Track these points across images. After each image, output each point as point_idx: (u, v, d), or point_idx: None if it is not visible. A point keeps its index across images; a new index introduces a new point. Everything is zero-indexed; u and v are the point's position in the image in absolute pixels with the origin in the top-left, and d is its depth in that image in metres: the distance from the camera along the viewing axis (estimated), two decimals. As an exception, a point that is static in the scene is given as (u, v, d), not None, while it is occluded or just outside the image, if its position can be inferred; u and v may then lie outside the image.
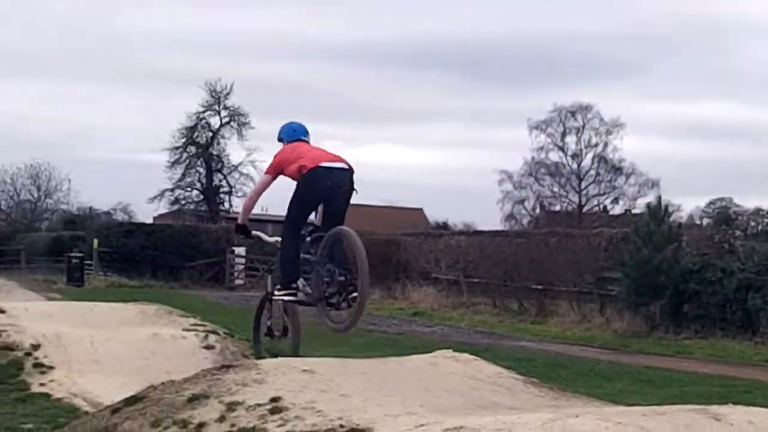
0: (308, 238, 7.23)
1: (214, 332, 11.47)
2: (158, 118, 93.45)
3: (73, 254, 34.50)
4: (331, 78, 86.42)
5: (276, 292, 7.37)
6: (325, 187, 7.02)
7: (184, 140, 56.05)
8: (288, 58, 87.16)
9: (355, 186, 7.16)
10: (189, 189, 56.58)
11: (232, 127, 56.74)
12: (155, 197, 54.88)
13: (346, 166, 7.14)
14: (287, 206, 7.21)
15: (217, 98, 56.33)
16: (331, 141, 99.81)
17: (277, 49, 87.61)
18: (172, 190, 55.38)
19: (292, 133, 7.55)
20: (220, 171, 56.92)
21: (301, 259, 7.17)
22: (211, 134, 56.63)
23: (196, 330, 11.44)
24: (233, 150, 58.30)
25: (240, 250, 39.69)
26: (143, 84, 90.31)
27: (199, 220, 50.66)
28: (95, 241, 36.05)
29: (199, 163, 56.39)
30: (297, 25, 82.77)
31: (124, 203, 57.12)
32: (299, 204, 7.20)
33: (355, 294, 6.74)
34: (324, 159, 7.09)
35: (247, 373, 6.06)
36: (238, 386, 5.88)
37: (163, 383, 6.48)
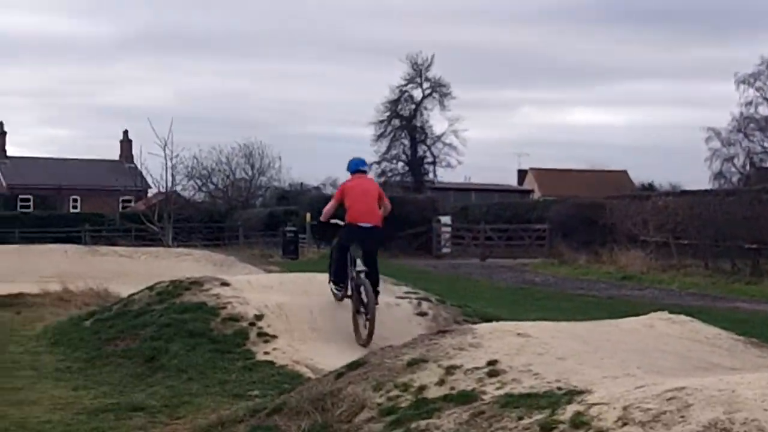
0: (356, 268, 10.64)
1: (426, 299, 11.67)
2: (363, 92, 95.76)
3: (287, 228, 35.77)
4: (527, 41, 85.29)
5: (331, 285, 11.15)
6: (358, 236, 10.78)
7: (388, 114, 56.98)
8: (488, 22, 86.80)
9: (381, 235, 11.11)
10: (394, 161, 57.57)
11: (433, 98, 57.17)
12: (362, 170, 56.16)
13: (372, 225, 10.78)
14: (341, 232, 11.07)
15: (418, 71, 56.89)
16: (529, 107, 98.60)
17: (476, 13, 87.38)
18: (378, 162, 56.52)
19: (354, 167, 11.24)
20: (423, 142, 57.52)
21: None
22: (413, 106, 57.28)
23: (409, 297, 11.68)
24: (436, 121, 58.88)
25: (446, 219, 40.02)
26: (347, 59, 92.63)
27: (405, 190, 51.43)
28: (307, 215, 37.27)
29: (403, 135, 57.21)
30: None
31: (332, 178, 58.75)
32: (345, 237, 10.97)
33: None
34: (360, 219, 10.72)
35: (463, 338, 6.14)
36: (455, 350, 5.98)
37: (382, 349, 6.66)
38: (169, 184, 35.72)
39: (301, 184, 59.68)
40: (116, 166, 65.52)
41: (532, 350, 5.86)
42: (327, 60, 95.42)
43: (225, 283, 11.91)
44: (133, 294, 12.51)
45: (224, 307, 10.82)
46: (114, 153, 71.89)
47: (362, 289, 10.37)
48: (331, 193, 55.20)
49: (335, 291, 11.02)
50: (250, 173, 58.47)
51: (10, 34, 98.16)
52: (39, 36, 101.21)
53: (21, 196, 63.75)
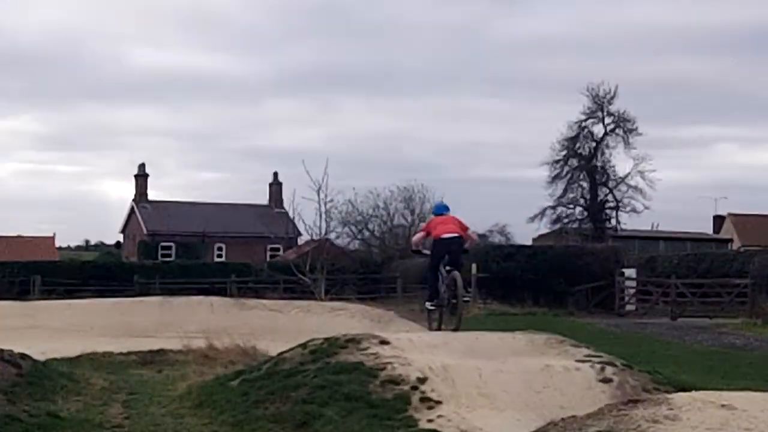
0: (445, 271, 14.51)
1: (610, 363, 11.45)
2: (534, 131, 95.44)
3: (450, 281, 35.78)
4: (722, 71, 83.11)
5: (427, 303, 15.28)
6: (444, 247, 14.59)
7: (564, 152, 56.34)
8: (678, 51, 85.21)
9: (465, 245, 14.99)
10: (571, 206, 56.87)
11: (617, 134, 56.33)
12: (535, 216, 55.78)
13: (456, 235, 14.64)
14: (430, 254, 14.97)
15: (600, 104, 56.19)
16: (727, 144, 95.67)
17: (664, 42, 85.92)
18: (553, 207, 55.98)
19: (438, 210, 15.58)
20: (605, 184, 56.64)
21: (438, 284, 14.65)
22: (594, 144, 56.54)
23: (590, 361, 11.49)
24: (619, 160, 57.89)
25: (630, 272, 39.20)
26: (518, 93, 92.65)
27: (584, 239, 50.71)
28: (473, 267, 37.26)
29: (581, 176, 56.42)
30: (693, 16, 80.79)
31: (501, 224, 58.52)
32: (433, 252, 14.85)
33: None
34: (444, 232, 14.60)
35: (656, 409, 6.02)
36: (648, 423, 5.86)
37: (563, 419, 6.60)
38: (323, 231, 36.39)
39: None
40: (265, 212, 67.47)
41: (738, 425, 5.69)
42: (495, 96, 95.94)
43: (384, 342, 12.05)
44: (284, 352, 12.81)
45: (384, 368, 10.94)
46: (262, 198, 74.07)
47: (455, 280, 14.21)
48: (499, 241, 55.27)
49: (429, 307, 14.93)
50: (409, 219, 58.91)
51: (154, 71, 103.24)
52: (185, 74, 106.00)
53: (162, 244, 66.38)
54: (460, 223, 14.97)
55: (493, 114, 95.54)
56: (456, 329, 14.07)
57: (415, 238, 15.63)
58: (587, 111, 56.27)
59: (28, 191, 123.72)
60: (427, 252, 15.10)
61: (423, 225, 16.32)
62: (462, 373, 10.76)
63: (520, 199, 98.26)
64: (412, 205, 58.81)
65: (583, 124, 56.48)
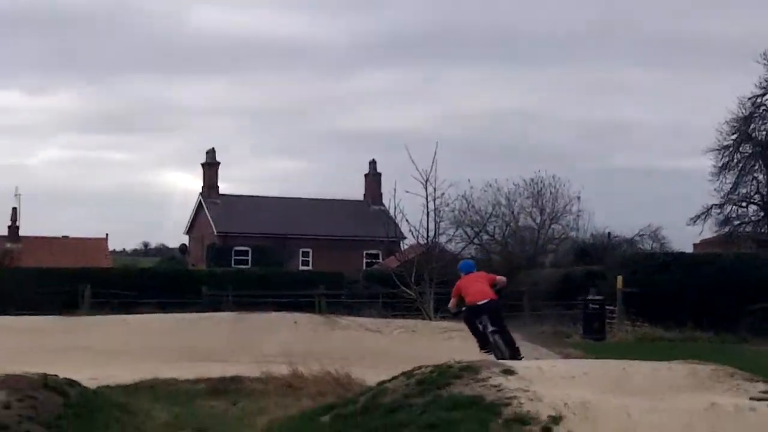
0: (488, 330, 18.18)
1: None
2: (698, 109, 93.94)
3: (590, 297, 35.49)
4: None
5: (482, 351, 17.94)
6: (479, 312, 18.25)
7: (735, 136, 55.23)
8: None
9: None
10: (744, 203, 55.74)
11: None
12: (697, 217, 54.80)
13: (488, 300, 18.30)
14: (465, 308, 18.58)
15: (780, 74, 54.96)
16: None
17: None
18: (720, 206, 54.95)
19: (466, 269, 19.26)
20: (787, 176, 55.48)
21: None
22: (774, 126, 55.34)
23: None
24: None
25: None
26: (676, 61, 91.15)
27: (760, 246, 49.73)
28: (619, 279, 36.87)
29: (756, 166, 55.26)
30: None
31: (653, 226, 57.77)
32: (470, 315, 18.41)
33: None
34: (477, 299, 18.25)
35: None
36: None
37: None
38: (431, 234, 36.28)
39: (609, 234, 59.08)
40: (359, 209, 67.89)
41: None
42: (645, 65, 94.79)
43: (509, 371, 12.02)
44: (385, 382, 12.86)
45: (508, 404, 10.92)
46: (356, 192, 74.42)
47: (497, 344, 18.02)
48: (651, 247, 54.56)
49: (486, 353, 17.84)
50: (538, 220, 58.55)
51: (222, 36, 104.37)
52: (260, 39, 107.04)
53: (236, 248, 67.21)
54: (487, 277, 19.23)
55: (643, 88, 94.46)
56: None
57: (451, 305, 19.19)
58: (764, 83, 55.15)
59: (72, 183, 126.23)
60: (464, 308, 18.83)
61: (453, 289, 19.15)
62: (606, 412, 10.68)
63: (678, 195, 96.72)
64: (542, 202, 58.30)
65: (759, 100, 55.39)
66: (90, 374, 16.85)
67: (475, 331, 18.50)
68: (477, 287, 18.64)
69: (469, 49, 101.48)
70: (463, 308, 18.59)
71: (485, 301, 18.34)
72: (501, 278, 19.46)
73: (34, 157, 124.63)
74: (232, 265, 64.16)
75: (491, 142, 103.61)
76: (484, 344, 18.19)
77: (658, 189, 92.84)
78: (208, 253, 68.22)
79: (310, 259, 68.28)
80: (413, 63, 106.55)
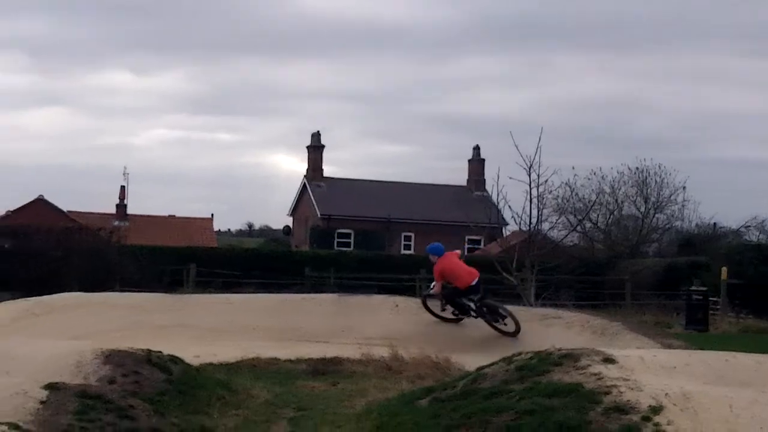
0: (474, 300, 20.85)
1: None
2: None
3: (693, 288, 35.07)
4: None
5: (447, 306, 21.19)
6: (473, 291, 20.76)
7: None
8: None
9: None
10: None
11: None
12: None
13: (477, 277, 20.90)
14: (452, 289, 20.91)
15: None
16: None
17: None
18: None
19: (439, 251, 21.28)
20: None
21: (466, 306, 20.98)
22: None
23: None
24: None
25: None
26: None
27: None
28: (723, 270, 36.37)
29: None
30: None
31: (759, 218, 56.88)
32: (461, 294, 20.86)
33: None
34: (470, 280, 20.69)
35: None
36: None
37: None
38: (534, 221, 36.12)
39: (714, 225, 58.31)
40: (462, 195, 67.85)
41: None
42: (760, 54, 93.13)
43: (609, 359, 11.92)
44: (484, 367, 12.84)
45: (608, 393, 10.82)
46: (459, 177, 74.41)
47: (488, 306, 20.78)
48: (757, 239, 53.66)
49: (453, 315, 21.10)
50: (642, 209, 57.95)
51: (327, 18, 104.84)
52: (364, 22, 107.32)
53: (339, 230, 67.58)
54: (457, 254, 21.76)
55: (757, 76, 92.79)
56: (515, 335, 20.45)
57: (436, 289, 20.92)
58: None
59: (179, 163, 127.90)
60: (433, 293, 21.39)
61: (437, 273, 20.74)
62: (707, 404, 10.52)
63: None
64: (647, 191, 57.76)
65: None
66: (193, 352, 17.05)
67: (461, 306, 20.84)
68: (464, 268, 20.91)
69: (575, 36, 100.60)
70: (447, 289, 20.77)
71: (476, 279, 20.71)
72: (458, 251, 22.20)
73: (141, 137, 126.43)
74: (335, 247, 64.51)
75: (596, 129, 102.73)
76: (464, 312, 21.01)
77: (762, 179, 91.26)
78: (312, 235, 68.68)
79: (412, 243, 68.43)
80: (518, 48, 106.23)
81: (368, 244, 64.11)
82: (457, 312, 21.16)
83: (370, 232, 67.12)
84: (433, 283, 21.00)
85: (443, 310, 21.27)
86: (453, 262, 20.98)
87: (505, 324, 20.80)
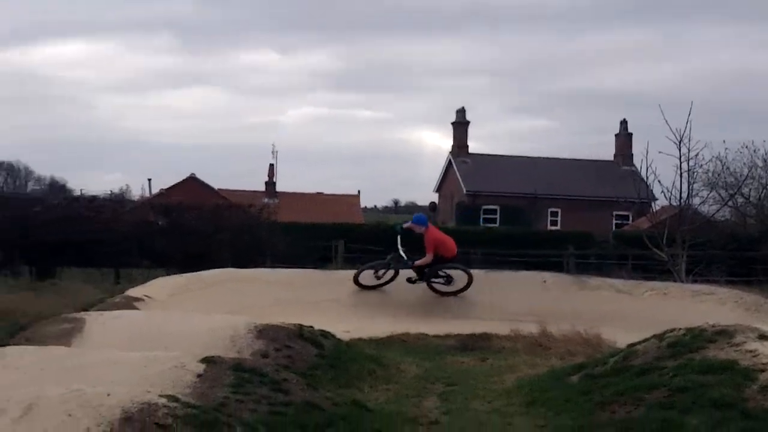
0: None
1: None
2: None
3: None
4: None
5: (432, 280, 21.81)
6: (450, 261, 21.83)
7: None
8: None
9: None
10: None
11: None
12: None
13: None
14: (439, 257, 21.66)
15: None
16: None
17: None
18: None
19: (426, 221, 21.97)
20: None
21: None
22: None
23: None
24: None
25: None
26: None
27: None
28: None
29: None
30: None
31: None
32: (441, 264, 21.70)
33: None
34: (455, 251, 21.95)
35: None
36: None
37: None
38: (684, 196, 35.57)
39: None
40: (609, 169, 67.19)
41: None
42: None
43: (765, 336, 11.69)
44: (635, 344, 12.71)
45: (764, 370, 10.61)
46: (605, 152, 73.62)
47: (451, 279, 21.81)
48: None
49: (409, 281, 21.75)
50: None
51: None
52: (504, 0, 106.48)
53: (485, 206, 67.44)
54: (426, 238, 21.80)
55: None
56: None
57: (428, 259, 21.57)
58: None
59: (325, 140, 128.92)
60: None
61: (429, 243, 21.56)
62: None
63: None
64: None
65: None
66: (342, 327, 17.20)
67: (436, 274, 21.68)
68: (451, 240, 22.12)
69: (716, 5, 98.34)
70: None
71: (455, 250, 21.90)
72: None
73: (288, 115, 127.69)
74: (481, 223, 64.42)
75: (748, 101, 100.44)
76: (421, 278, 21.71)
77: None
78: (457, 211, 68.66)
79: (559, 219, 68.01)
80: (664, 19, 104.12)
81: (514, 220, 63.82)
82: (415, 278, 21.74)
83: (516, 208, 66.77)
84: (427, 256, 21.56)
85: (379, 278, 21.93)
86: (439, 233, 22.14)
87: (449, 284, 21.76)
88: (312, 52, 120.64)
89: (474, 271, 22.41)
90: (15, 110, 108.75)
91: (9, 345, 12.70)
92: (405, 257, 21.81)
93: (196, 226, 38.77)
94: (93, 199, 42.93)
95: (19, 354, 11.43)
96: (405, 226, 22.03)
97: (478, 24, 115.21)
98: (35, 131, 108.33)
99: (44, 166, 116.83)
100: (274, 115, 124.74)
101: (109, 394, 8.17)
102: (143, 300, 19.65)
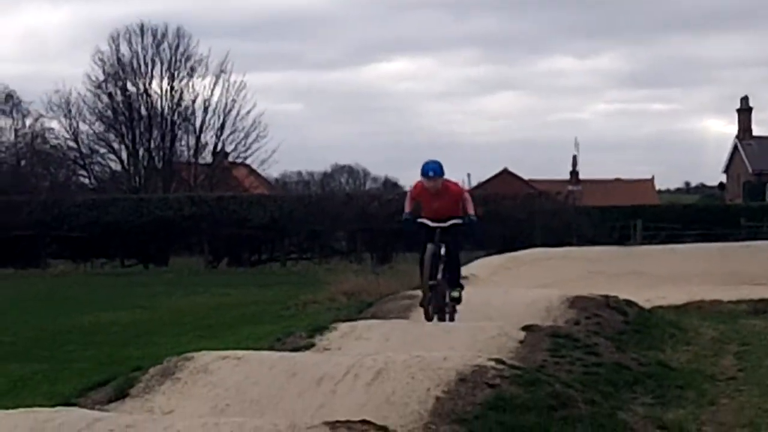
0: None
1: None
2: None
3: None
4: None
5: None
6: (430, 236, 12.16)
7: None
8: None
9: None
10: None
11: None
12: None
13: (446, 223, 12.16)
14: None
15: None
16: None
17: None
18: None
19: (425, 170, 12.18)
20: None
21: None
22: None
23: None
24: None
25: None
26: None
27: None
28: None
29: None
30: None
31: None
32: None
33: None
34: (431, 215, 12.23)
35: None
36: None
37: None
38: None
39: None
40: None
41: None
42: None
43: None
44: None
45: None
46: None
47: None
48: None
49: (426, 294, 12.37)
50: None
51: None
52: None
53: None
54: (454, 192, 12.37)
55: None
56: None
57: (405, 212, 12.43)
58: None
59: (620, 132, 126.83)
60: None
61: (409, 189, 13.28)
62: None
63: None
64: None
65: None
66: (643, 296, 16.89)
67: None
68: (436, 203, 12.52)
69: None
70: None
71: (442, 224, 12.46)
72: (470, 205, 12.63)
73: (586, 111, 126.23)
74: (767, 199, 61.73)
75: None
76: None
77: None
78: (744, 189, 66.09)
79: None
80: None
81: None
82: None
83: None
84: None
85: None
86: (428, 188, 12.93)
87: None
88: (605, 55, 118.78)
89: (763, 242, 21.51)
90: (353, 120, 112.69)
91: (358, 320, 13.14)
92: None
93: (511, 213, 39.05)
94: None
95: (367, 327, 11.81)
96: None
97: (758, 19, 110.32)
98: (370, 138, 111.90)
99: (379, 167, 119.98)
100: (572, 113, 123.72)
101: (445, 359, 8.33)
102: (467, 278, 19.90)
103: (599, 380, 9.39)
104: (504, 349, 9.95)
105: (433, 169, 12.14)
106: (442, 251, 12.13)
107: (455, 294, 12.46)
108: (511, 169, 63.56)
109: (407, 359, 8.34)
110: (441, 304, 12.32)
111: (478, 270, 20.93)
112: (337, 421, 6.15)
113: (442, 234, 12.15)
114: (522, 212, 39.23)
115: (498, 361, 8.39)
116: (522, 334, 10.58)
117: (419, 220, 12.31)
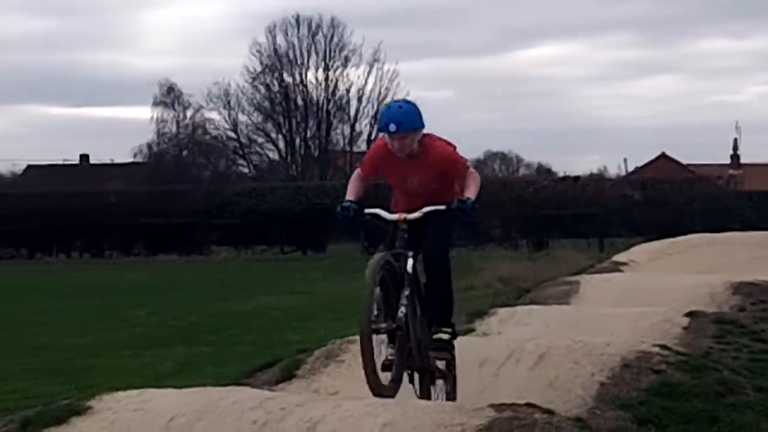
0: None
1: None
2: None
3: None
4: None
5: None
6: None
7: None
8: None
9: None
10: None
11: None
12: None
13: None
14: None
15: None
16: None
17: None
18: None
19: (380, 125, 7.14)
20: None
21: None
22: None
23: None
24: None
25: None
26: None
27: None
28: None
29: None
30: None
31: None
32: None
33: None
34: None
35: None
36: None
37: None
38: None
39: None
40: None
41: None
42: None
43: None
44: None
45: None
46: None
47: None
48: None
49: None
50: None
51: None
52: None
53: None
54: (441, 156, 7.10)
55: None
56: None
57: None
58: None
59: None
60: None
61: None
62: None
63: None
64: None
65: None
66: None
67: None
68: (404, 200, 7.83)
69: None
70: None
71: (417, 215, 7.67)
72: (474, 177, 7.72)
73: (744, 93, 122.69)
74: None
75: None
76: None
77: None
78: None
79: None
80: None
81: None
82: None
83: None
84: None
85: None
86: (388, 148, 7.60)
87: None
88: (760, 37, 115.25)
89: None
90: (504, 106, 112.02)
91: (516, 306, 13.12)
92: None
93: (669, 198, 38.47)
94: (577, 178, 43.46)
95: (526, 313, 11.79)
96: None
97: None
98: (522, 123, 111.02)
99: (531, 152, 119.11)
100: (731, 95, 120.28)
101: (608, 344, 8.25)
102: (627, 264, 19.63)
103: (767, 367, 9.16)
104: (668, 335, 9.80)
105: (396, 120, 6.88)
106: (409, 265, 6.86)
107: (442, 336, 7.09)
108: (669, 153, 62.26)
109: (570, 344, 8.30)
110: (422, 364, 6.99)
111: (636, 256, 20.62)
112: (503, 404, 6.16)
113: (410, 233, 6.95)
114: (681, 197, 38.54)
115: (662, 346, 8.27)
116: (686, 320, 10.40)
117: (369, 210, 7.10)
